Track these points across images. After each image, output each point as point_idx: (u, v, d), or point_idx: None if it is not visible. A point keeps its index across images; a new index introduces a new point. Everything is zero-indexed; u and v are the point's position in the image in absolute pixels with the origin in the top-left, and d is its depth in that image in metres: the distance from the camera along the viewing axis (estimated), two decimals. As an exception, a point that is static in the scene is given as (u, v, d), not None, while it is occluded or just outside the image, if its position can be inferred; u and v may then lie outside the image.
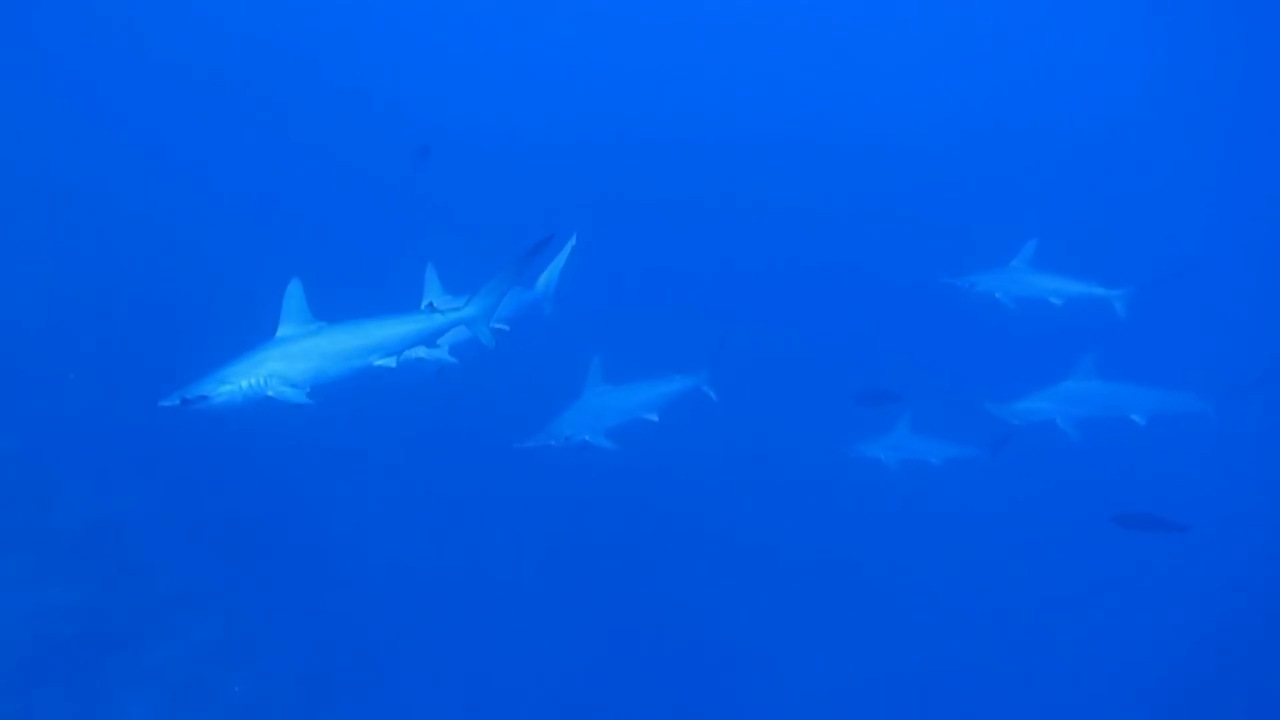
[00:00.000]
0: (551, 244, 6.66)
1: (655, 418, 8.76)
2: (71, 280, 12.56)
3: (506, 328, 7.23)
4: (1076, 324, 10.68)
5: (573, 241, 8.47)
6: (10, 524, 9.25)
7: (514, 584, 11.08)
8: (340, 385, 5.86)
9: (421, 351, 6.64)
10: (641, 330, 12.92)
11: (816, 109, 22.78)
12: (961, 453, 10.54)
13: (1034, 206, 17.27)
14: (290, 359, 5.61)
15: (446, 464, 11.66)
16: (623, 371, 8.80)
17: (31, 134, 15.01)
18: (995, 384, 9.78)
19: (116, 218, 14.44)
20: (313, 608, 10.07)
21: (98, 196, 14.85)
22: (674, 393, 9.14)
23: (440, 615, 10.69)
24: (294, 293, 5.89)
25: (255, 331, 5.87)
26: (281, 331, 5.83)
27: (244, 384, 5.36)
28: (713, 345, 9.65)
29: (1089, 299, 10.44)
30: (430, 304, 6.45)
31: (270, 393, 5.43)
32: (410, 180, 14.80)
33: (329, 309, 6.10)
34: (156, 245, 13.94)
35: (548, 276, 8.45)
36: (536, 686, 10.43)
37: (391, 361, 6.08)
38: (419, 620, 10.51)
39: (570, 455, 8.22)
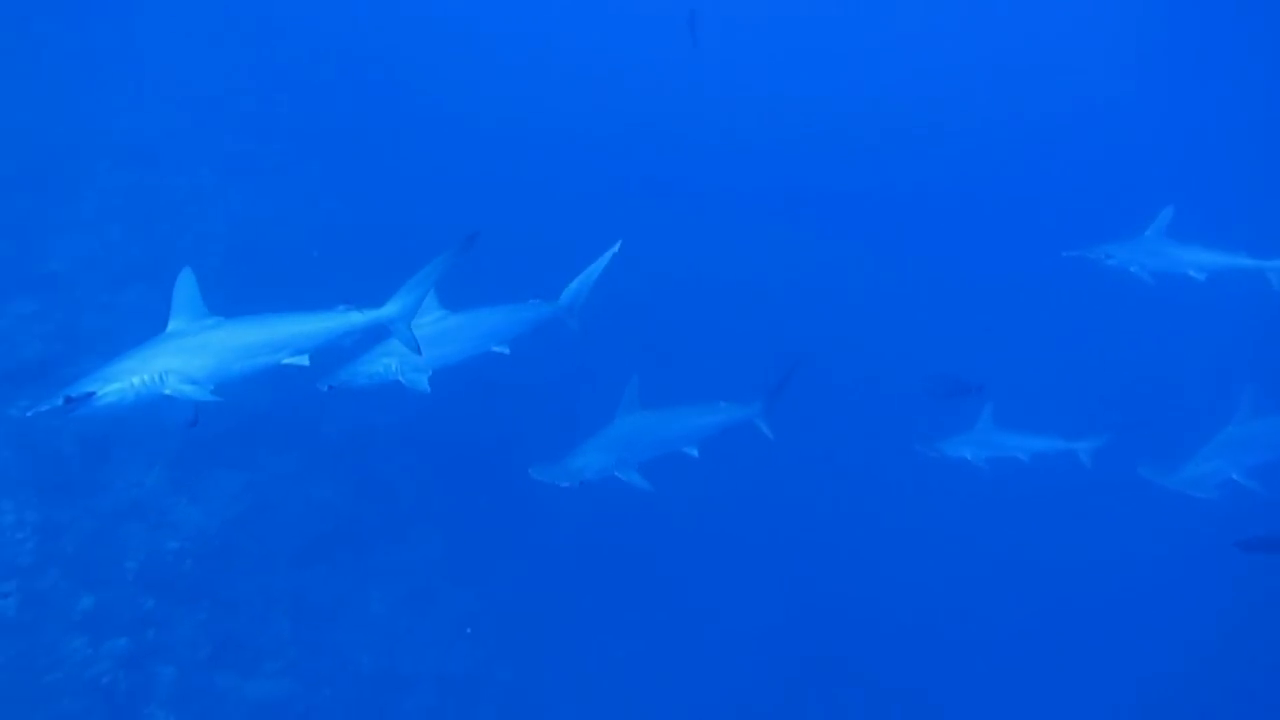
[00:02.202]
0: (475, 242, 5.88)
1: (695, 452, 7.57)
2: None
3: (506, 350, 6.74)
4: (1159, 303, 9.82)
5: (615, 249, 7.16)
6: (288, 427, 10.63)
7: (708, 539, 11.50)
8: (246, 383, 5.47)
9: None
10: (690, 346, 12.92)
11: (897, 90, 21.87)
12: (1054, 446, 9.89)
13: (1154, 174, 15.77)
14: (188, 354, 5.17)
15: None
16: (664, 395, 7.65)
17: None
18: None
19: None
20: (528, 538, 10.85)
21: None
22: (720, 424, 7.83)
23: (637, 561, 11.27)
24: (186, 285, 5.41)
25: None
26: (173, 326, 5.36)
27: (135, 381, 4.93)
28: (777, 370, 8.18)
29: (1237, 272, 9.15)
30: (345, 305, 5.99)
31: (168, 390, 5.02)
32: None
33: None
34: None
35: (577, 286, 7.17)
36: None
37: (304, 360, 5.66)
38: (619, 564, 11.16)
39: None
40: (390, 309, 5.88)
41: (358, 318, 5.83)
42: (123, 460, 9.38)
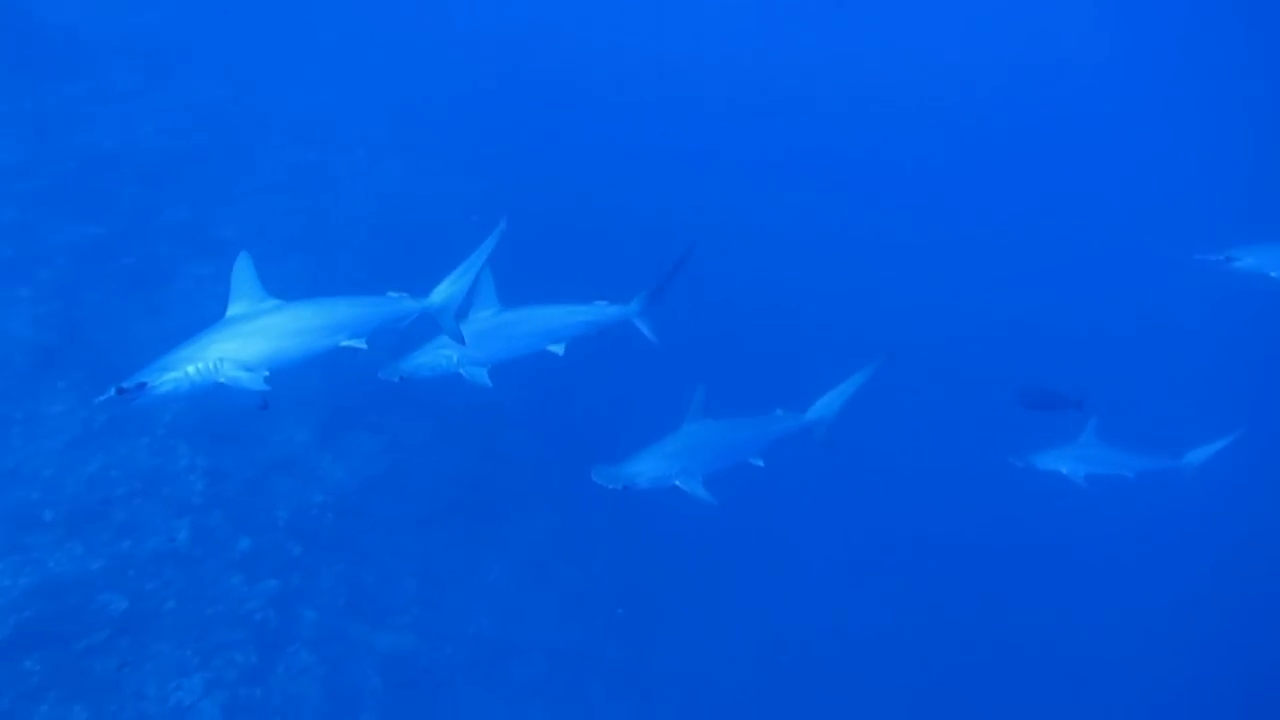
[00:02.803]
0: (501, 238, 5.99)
1: (762, 463, 7.48)
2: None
3: (561, 350, 6.66)
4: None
5: (687, 251, 7.08)
6: (422, 398, 11.28)
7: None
8: (301, 367, 5.50)
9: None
10: (759, 356, 12.72)
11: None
12: (1161, 465, 9.42)
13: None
14: (243, 339, 5.16)
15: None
16: (724, 405, 7.53)
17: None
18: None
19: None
20: (639, 520, 11.12)
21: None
22: (780, 436, 7.69)
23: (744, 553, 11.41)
24: (243, 269, 5.43)
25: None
26: (231, 311, 5.38)
27: (190, 370, 4.91)
28: (829, 394, 7.94)
29: None
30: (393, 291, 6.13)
31: (222, 379, 5.01)
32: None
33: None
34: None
35: (648, 291, 7.06)
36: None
37: (361, 343, 5.70)
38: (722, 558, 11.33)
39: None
40: (434, 298, 6.01)
41: (408, 304, 5.98)
42: (279, 416, 10.20)
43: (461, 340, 6.06)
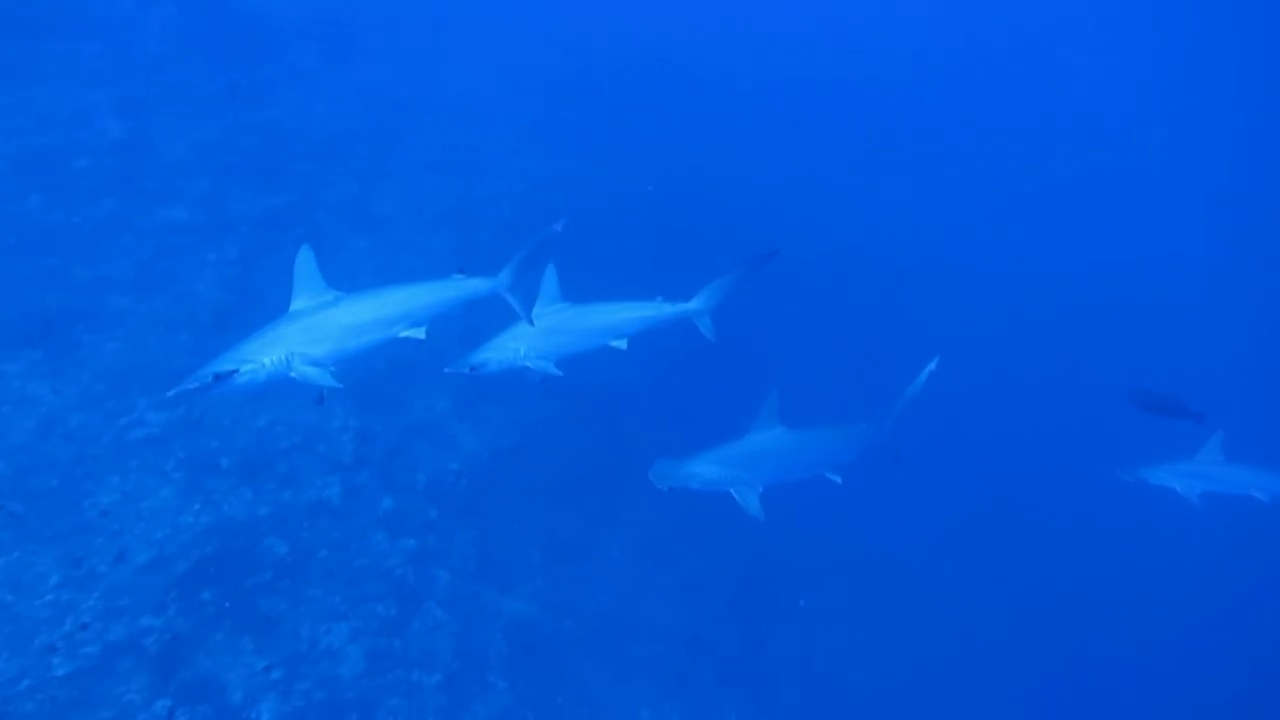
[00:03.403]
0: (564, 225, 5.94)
1: (839, 479, 7.14)
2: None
3: (624, 345, 6.66)
4: None
5: (767, 254, 6.83)
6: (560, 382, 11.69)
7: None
8: (365, 359, 5.56)
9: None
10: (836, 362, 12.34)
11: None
12: None
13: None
14: (309, 336, 5.25)
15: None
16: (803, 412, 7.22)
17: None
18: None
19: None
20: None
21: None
22: (858, 450, 7.42)
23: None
24: (305, 262, 5.50)
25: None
26: (296, 304, 5.45)
27: (267, 362, 5.06)
28: (896, 402, 7.65)
29: None
30: (460, 271, 6.13)
31: (293, 374, 5.14)
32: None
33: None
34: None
35: (713, 289, 6.91)
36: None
37: (420, 333, 5.74)
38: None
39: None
40: (503, 277, 6.11)
41: (472, 285, 6.03)
42: (421, 385, 10.85)
43: (530, 321, 6.16)
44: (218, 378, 4.89)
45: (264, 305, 11.10)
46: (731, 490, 6.70)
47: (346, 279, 11.48)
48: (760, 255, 6.72)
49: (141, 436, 8.81)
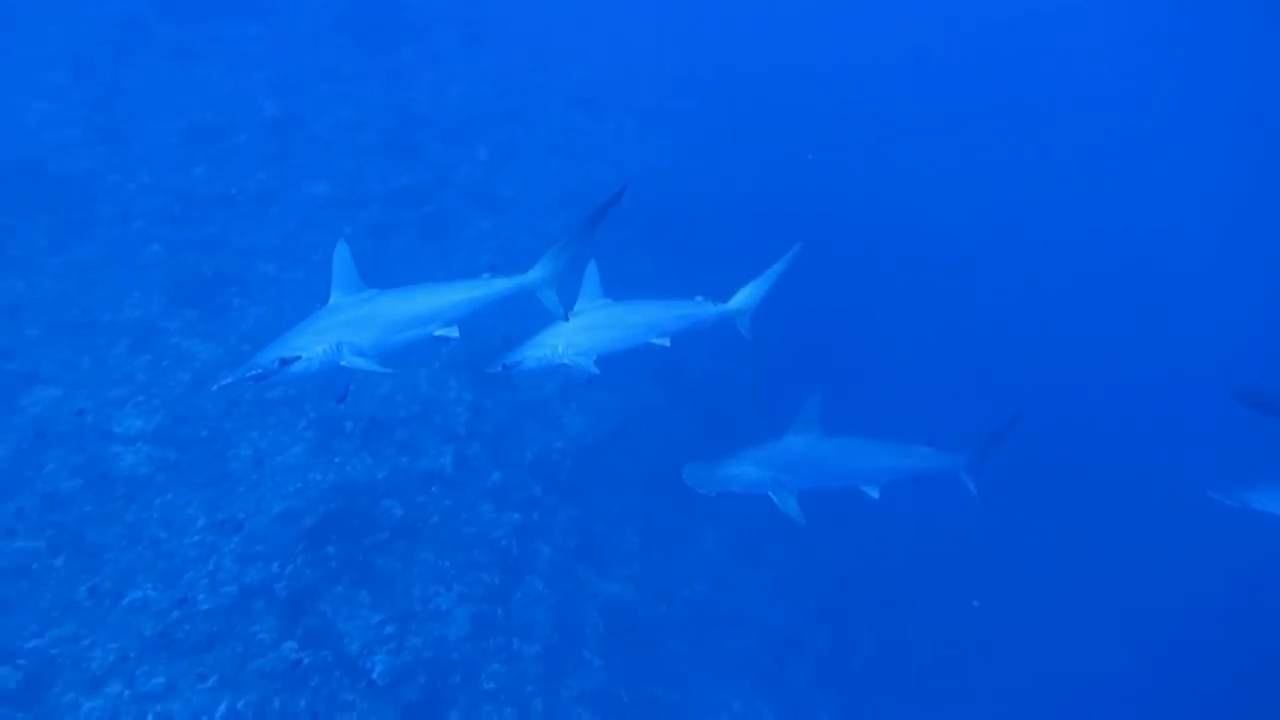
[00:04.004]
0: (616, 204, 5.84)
1: (876, 494, 6.80)
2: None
3: (667, 343, 6.63)
4: None
5: (796, 249, 6.82)
6: (660, 363, 11.84)
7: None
8: (400, 355, 5.62)
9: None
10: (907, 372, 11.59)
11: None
12: None
13: None
14: (354, 327, 5.37)
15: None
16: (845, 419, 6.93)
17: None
18: None
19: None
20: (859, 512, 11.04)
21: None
22: (914, 471, 7.00)
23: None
24: (343, 258, 5.58)
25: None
26: (334, 299, 5.53)
27: (320, 349, 5.17)
28: (996, 420, 7.19)
29: None
30: (490, 269, 6.08)
31: (344, 361, 5.22)
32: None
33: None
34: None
35: (753, 288, 6.93)
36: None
37: (454, 331, 5.73)
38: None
39: None
40: (535, 274, 6.02)
41: (503, 284, 5.97)
42: (532, 364, 11.20)
43: (565, 315, 6.15)
44: (283, 362, 5.05)
45: (393, 279, 11.76)
46: (770, 493, 6.56)
47: (468, 258, 12.13)
48: (791, 253, 6.73)
49: (278, 396, 9.49)
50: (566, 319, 6.16)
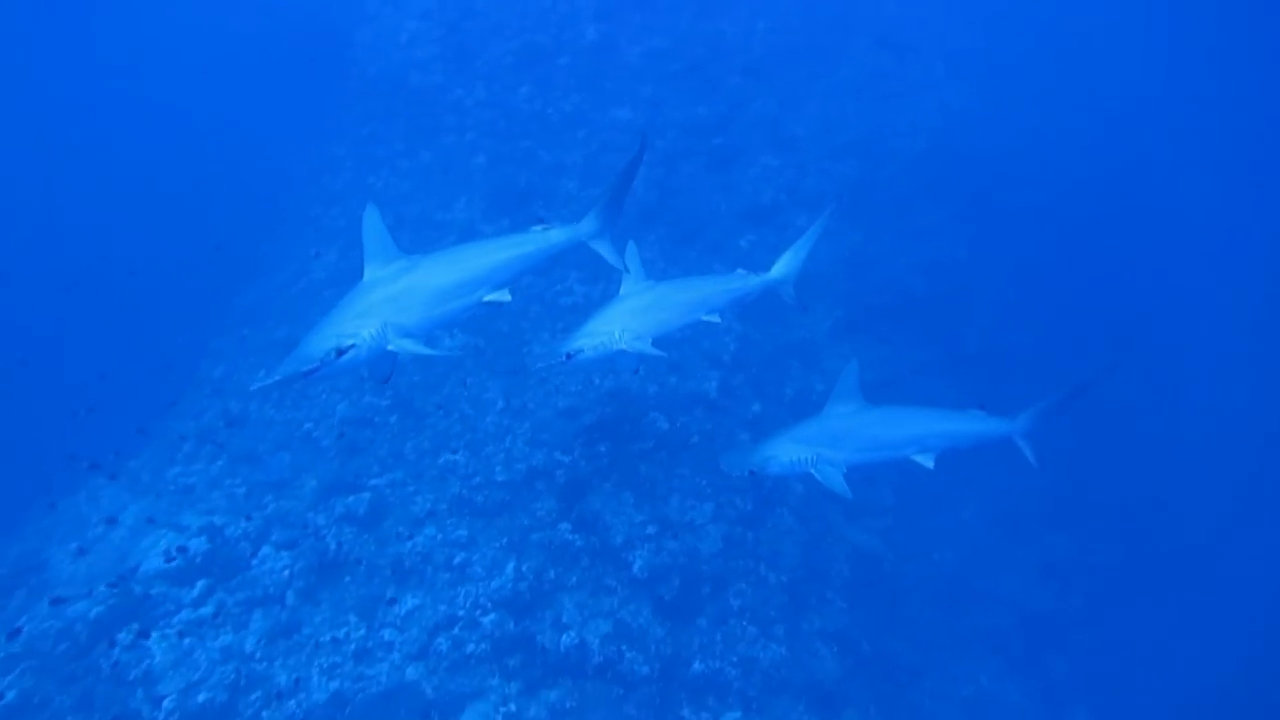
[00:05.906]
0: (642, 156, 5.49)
1: (930, 464, 6.27)
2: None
3: (718, 319, 6.62)
4: None
5: (831, 208, 6.70)
6: (932, 325, 11.32)
7: None
8: (451, 325, 5.28)
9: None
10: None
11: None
12: None
13: None
14: (397, 303, 4.88)
15: None
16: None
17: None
18: None
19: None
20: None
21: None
22: (963, 436, 6.41)
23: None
24: (373, 223, 5.00)
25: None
26: (369, 273, 4.97)
27: (367, 335, 4.73)
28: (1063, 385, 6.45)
29: None
30: (541, 222, 5.70)
31: (391, 346, 4.81)
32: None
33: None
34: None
35: (791, 255, 6.79)
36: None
37: (505, 295, 5.22)
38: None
39: None
40: (588, 224, 5.77)
41: (558, 234, 5.63)
42: (810, 305, 11.11)
43: (623, 266, 6.08)
44: (340, 352, 4.71)
45: (677, 206, 12.22)
46: (812, 470, 6.21)
47: (750, 195, 12.21)
48: (825, 213, 6.69)
49: (568, 304, 10.33)
50: (627, 270, 6.20)
